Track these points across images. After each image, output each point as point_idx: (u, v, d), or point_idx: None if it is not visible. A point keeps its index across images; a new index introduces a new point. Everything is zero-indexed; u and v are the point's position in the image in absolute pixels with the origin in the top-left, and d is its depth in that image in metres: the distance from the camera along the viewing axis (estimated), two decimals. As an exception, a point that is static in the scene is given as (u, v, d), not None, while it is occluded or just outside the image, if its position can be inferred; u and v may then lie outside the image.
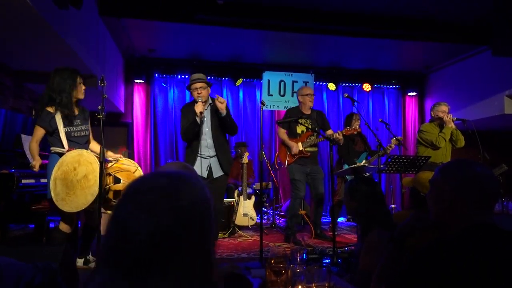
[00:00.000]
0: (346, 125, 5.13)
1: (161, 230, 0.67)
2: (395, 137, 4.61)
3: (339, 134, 4.26)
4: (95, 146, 3.30)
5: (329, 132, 4.53)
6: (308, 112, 4.58)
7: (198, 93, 3.64)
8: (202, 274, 0.71)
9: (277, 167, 5.35)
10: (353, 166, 4.67)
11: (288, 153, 4.47)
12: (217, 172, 3.75)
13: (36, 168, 2.95)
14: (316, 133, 4.43)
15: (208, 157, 3.73)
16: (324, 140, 4.45)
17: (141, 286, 0.66)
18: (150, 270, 0.66)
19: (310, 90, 4.68)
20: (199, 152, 3.67)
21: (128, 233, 0.67)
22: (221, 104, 3.62)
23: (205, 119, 3.70)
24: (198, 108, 3.60)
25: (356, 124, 5.06)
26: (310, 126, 4.42)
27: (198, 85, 3.67)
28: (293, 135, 4.53)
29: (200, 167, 3.64)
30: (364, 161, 4.94)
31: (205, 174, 3.69)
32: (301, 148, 4.42)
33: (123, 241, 0.68)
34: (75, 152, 2.90)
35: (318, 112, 4.74)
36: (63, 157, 2.90)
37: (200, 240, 0.71)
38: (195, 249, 0.70)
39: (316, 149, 4.62)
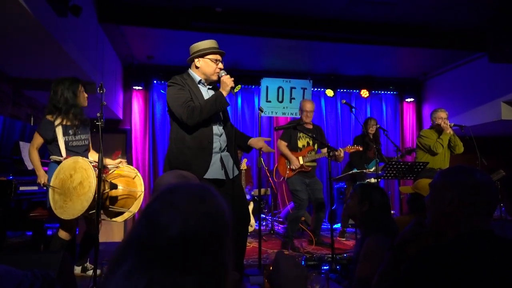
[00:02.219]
0: (364, 129, 5.05)
1: (189, 230, 0.74)
2: (404, 149, 4.55)
3: (340, 152, 4.16)
4: (94, 155, 3.31)
5: (324, 150, 4.43)
6: (310, 127, 4.59)
7: (219, 67, 2.71)
8: (216, 280, 0.77)
9: (275, 180, 5.34)
10: (351, 172, 4.69)
11: (288, 166, 4.46)
12: (233, 170, 2.79)
13: (44, 184, 2.99)
14: (317, 146, 4.44)
15: (219, 151, 2.70)
16: (324, 156, 4.46)
17: (162, 279, 0.71)
18: (173, 265, 0.72)
19: (310, 106, 4.55)
20: (213, 145, 2.67)
21: (157, 228, 0.74)
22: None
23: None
24: (230, 82, 2.61)
25: (371, 130, 5.07)
26: (311, 141, 4.45)
27: (220, 57, 2.73)
28: (294, 149, 4.51)
29: (221, 167, 2.68)
30: (374, 168, 4.94)
31: (223, 175, 2.70)
32: (301, 163, 4.41)
33: (152, 235, 0.74)
34: (71, 160, 2.92)
35: (317, 127, 4.73)
36: (60, 165, 2.93)
37: (220, 247, 0.78)
38: (214, 254, 0.77)
39: (316, 164, 4.63)
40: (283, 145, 4.53)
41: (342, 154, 4.21)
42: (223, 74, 2.66)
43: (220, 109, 2.62)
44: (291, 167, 4.40)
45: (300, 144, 4.52)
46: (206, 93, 2.74)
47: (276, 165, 4.81)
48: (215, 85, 2.82)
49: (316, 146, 4.53)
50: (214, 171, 2.62)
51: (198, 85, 2.73)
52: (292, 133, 4.50)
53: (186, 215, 0.75)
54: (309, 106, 4.56)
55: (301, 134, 4.47)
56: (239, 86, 6.60)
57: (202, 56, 2.69)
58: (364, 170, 4.92)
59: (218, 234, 0.78)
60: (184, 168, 2.52)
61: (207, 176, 2.58)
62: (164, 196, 0.79)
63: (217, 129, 2.70)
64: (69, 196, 2.82)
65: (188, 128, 2.61)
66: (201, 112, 2.54)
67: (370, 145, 5.09)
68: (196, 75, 2.74)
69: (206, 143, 2.63)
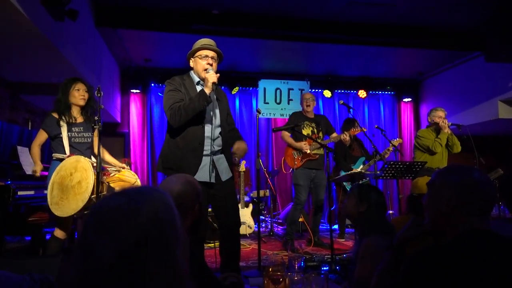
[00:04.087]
0: (345, 129, 5.12)
1: (124, 250, 0.68)
2: (391, 142, 4.61)
3: (346, 135, 4.32)
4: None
5: (334, 135, 4.52)
6: (312, 116, 4.60)
7: (209, 63, 2.62)
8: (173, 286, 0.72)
9: (284, 172, 5.30)
10: (350, 172, 4.68)
11: (295, 156, 4.46)
12: (226, 174, 2.70)
13: (38, 173, 3.07)
14: (322, 134, 4.47)
15: (210, 154, 2.62)
16: (332, 141, 4.48)
17: None
18: None
19: (308, 94, 4.70)
20: (204, 147, 2.60)
21: (93, 257, 0.68)
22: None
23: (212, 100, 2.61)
24: (212, 77, 2.51)
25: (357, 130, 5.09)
26: (315, 129, 4.45)
27: (210, 53, 2.66)
28: (298, 138, 4.49)
29: (209, 169, 2.60)
30: (361, 166, 4.95)
31: (213, 179, 2.61)
32: (309, 151, 4.41)
33: (90, 266, 0.68)
34: (74, 158, 2.95)
35: (321, 116, 4.77)
36: (63, 162, 2.95)
37: (165, 255, 0.72)
38: (162, 265, 0.71)
39: (322, 152, 4.55)
40: (286, 135, 4.52)
41: (347, 138, 4.34)
42: (209, 71, 2.57)
43: (202, 106, 2.51)
44: (303, 152, 4.38)
45: (304, 132, 4.49)
46: None
47: (283, 158, 4.78)
48: (216, 86, 2.70)
49: (321, 134, 4.52)
50: (202, 174, 2.57)
51: (197, 86, 2.69)
52: (295, 122, 4.45)
53: (117, 235, 0.69)
54: (307, 95, 4.69)
55: (304, 123, 4.47)
56: (237, 88, 6.61)
57: (193, 54, 2.70)
58: (360, 169, 4.92)
59: (161, 241, 0.72)
60: (174, 168, 2.55)
61: (197, 178, 2.52)
62: (92, 218, 0.73)
63: (210, 131, 2.61)
64: (66, 194, 2.84)
65: (178, 129, 2.57)
66: (182, 113, 2.49)
67: (352, 145, 5.11)
68: (195, 76, 2.74)
69: (196, 144, 2.57)
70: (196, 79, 2.73)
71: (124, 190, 0.78)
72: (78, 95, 3.16)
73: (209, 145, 2.61)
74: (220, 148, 2.69)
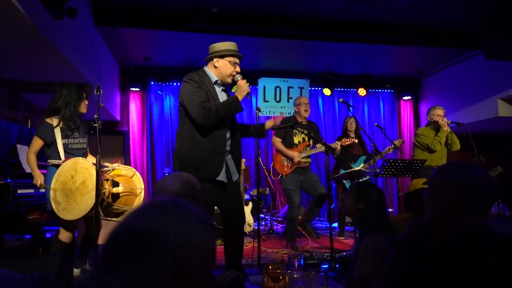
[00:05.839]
0: (344, 130, 5.17)
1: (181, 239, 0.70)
2: (393, 142, 4.59)
3: (337, 145, 4.32)
4: (91, 159, 3.32)
5: (319, 145, 4.46)
6: (304, 122, 4.60)
7: (238, 71, 2.78)
8: None
9: (273, 177, 5.33)
10: (349, 170, 4.69)
11: (285, 163, 4.45)
12: (235, 174, 2.85)
13: (40, 184, 2.99)
14: (312, 142, 4.44)
15: (225, 154, 2.77)
16: (320, 151, 4.44)
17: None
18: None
19: (305, 99, 4.70)
20: (222, 150, 2.72)
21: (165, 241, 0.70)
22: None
23: None
24: (247, 87, 2.70)
25: (350, 127, 5.11)
26: (306, 137, 4.45)
27: (238, 60, 2.81)
28: (289, 145, 4.50)
29: (227, 169, 2.76)
30: (362, 165, 4.95)
31: (225, 178, 2.73)
32: (299, 159, 4.41)
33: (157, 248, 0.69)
34: (71, 161, 2.94)
35: (313, 123, 4.76)
36: (60, 168, 2.94)
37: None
38: None
39: (311, 159, 4.63)
40: (277, 141, 4.53)
41: (338, 147, 4.32)
42: (239, 78, 2.73)
43: (234, 113, 2.68)
44: (293, 161, 4.37)
45: (296, 140, 4.51)
46: (220, 94, 2.77)
47: (273, 163, 4.79)
48: (227, 87, 2.87)
49: (311, 142, 4.54)
50: (222, 174, 2.68)
51: (214, 85, 2.76)
52: (287, 129, 4.49)
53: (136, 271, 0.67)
54: (303, 99, 4.67)
55: (296, 130, 4.48)
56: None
57: (222, 57, 2.73)
58: (360, 167, 4.93)
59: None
60: (197, 167, 2.56)
61: (219, 178, 2.63)
62: (108, 251, 0.72)
63: (227, 133, 2.74)
64: (72, 197, 2.84)
65: (203, 129, 2.61)
66: (216, 114, 2.55)
67: (353, 144, 5.12)
68: (213, 75, 2.77)
69: (220, 145, 2.66)
70: (214, 78, 2.76)
71: (153, 209, 0.74)
72: (85, 104, 3.18)
73: (227, 145, 2.74)
74: (230, 148, 2.78)
